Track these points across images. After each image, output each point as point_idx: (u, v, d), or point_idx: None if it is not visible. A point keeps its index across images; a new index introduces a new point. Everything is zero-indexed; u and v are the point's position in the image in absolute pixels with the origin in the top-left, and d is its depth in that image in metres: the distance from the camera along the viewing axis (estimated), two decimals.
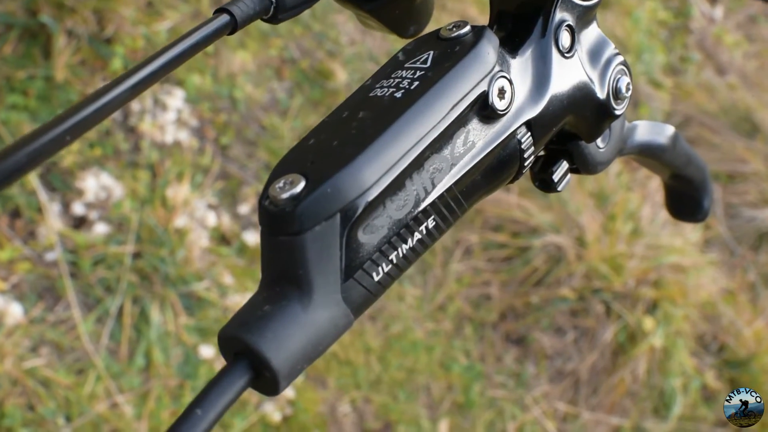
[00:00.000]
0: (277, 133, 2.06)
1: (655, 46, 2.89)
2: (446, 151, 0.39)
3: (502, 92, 0.40)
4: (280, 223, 0.34)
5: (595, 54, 0.46)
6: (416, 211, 0.38)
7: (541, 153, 0.49)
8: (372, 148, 0.36)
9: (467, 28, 0.41)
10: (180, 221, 1.79)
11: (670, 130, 0.59)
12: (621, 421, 2.11)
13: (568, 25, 0.45)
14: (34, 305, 1.59)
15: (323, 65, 2.22)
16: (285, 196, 0.34)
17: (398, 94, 0.39)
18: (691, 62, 2.98)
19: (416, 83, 0.39)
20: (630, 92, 0.48)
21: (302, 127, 2.10)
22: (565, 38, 0.45)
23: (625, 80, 0.47)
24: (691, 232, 2.40)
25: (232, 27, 0.40)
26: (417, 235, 0.38)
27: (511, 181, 0.44)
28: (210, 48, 2.08)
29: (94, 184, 1.73)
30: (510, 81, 0.41)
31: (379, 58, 2.33)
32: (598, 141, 0.50)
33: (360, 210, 0.35)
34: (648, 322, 2.12)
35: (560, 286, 2.15)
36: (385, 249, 0.37)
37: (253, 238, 1.90)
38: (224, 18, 0.40)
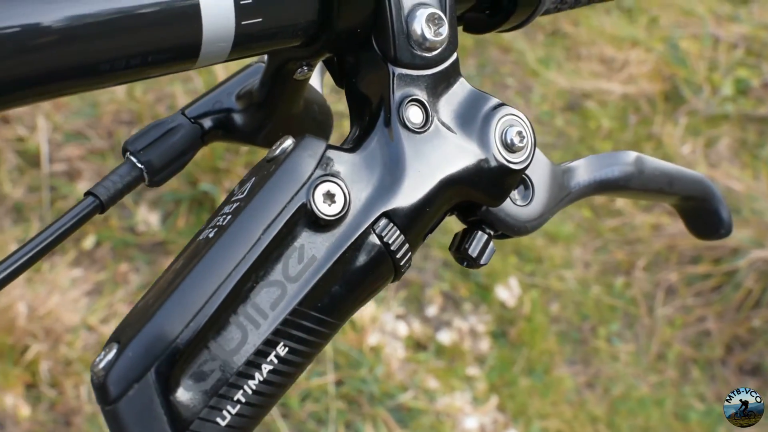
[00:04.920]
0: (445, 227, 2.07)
1: None
2: (276, 275, 0.37)
3: (329, 197, 0.38)
4: (100, 395, 0.34)
5: (466, 115, 0.43)
6: (254, 345, 0.36)
7: (462, 228, 0.46)
8: (172, 298, 0.35)
9: (288, 142, 0.39)
10: (372, 339, 1.82)
11: (628, 156, 0.53)
12: None
13: (415, 100, 0.41)
14: None
15: None
16: (101, 366, 0.34)
17: (211, 234, 0.37)
18: None
19: (228, 218, 0.37)
20: (526, 140, 0.43)
21: None
22: (414, 115, 0.41)
23: (514, 130, 0.43)
24: None
25: (101, 207, 0.42)
26: (267, 367, 0.36)
27: (395, 278, 0.41)
28: None
29: None
30: (338, 182, 0.38)
31: None
32: (516, 199, 0.46)
33: (174, 362, 0.34)
34: None
35: None
36: (225, 391, 0.35)
37: (447, 336, 1.90)
38: (90, 200, 0.42)
